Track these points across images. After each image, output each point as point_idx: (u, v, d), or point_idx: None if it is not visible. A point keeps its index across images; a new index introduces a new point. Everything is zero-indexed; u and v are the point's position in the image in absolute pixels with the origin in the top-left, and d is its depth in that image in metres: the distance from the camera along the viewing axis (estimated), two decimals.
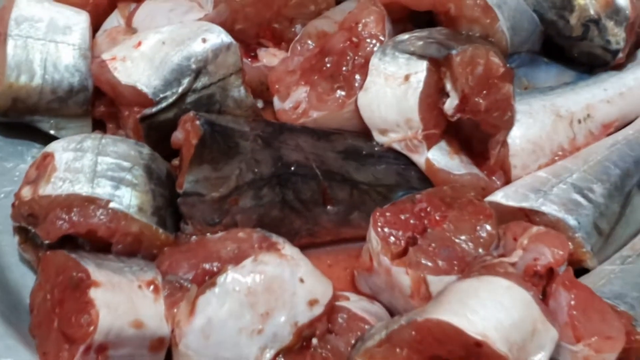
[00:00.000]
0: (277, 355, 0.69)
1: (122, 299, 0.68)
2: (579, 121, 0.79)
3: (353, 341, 0.69)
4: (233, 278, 0.68)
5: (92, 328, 0.66)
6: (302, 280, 0.69)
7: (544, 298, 0.70)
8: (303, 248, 0.73)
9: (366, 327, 0.70)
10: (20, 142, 0.81)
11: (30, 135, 0.81)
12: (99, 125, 0.83)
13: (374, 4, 0.81)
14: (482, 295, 0.67)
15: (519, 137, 0.78)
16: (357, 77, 0.79)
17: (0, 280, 0.75)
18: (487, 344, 0.63)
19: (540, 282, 0.70)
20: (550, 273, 0.71)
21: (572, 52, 0.83)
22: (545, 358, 0.66)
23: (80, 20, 0.82)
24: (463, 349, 0.64)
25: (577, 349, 0.68)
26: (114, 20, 0.84)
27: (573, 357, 0.68)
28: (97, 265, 0.69)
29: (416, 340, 0.65)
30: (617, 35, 0.80)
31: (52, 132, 0.81)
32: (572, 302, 0.69)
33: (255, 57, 0.84)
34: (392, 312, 0.73)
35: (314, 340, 0.70)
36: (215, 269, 0.70)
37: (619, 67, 0.82)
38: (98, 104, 0.81)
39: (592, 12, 0.79)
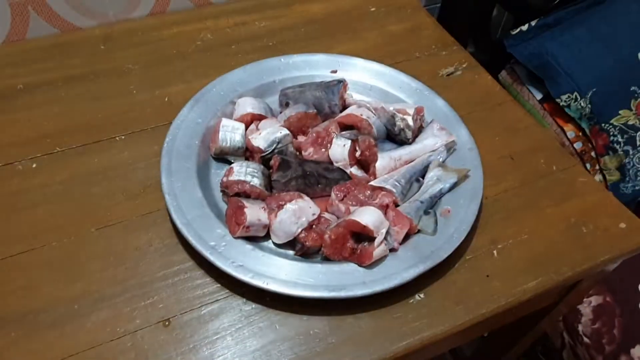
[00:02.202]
0: (301, 230, 0.73)
1: (254, 211, 0.73)
2: (397, 160, 0.81)
3: (326, 227, 0.74)
4: (289, 206, 0.73)
5: (245, 220, 0.72)
6: (310, 207, 0.74)
7: (385, 214, 0.74)
8: (311, 198, 0.76)
9: (330, 223, 0.75)
10: (221, 164, 0.82)
11: (225, 162, 0.82)
12: (246, 159, 0.84)
13: (334, 122, 0.84)
14: (365, 211, 0.72)
15: (378, 165, 0.79)
16: (329, 145, 0.81)
17: (216, 205, 0.77)
18: (367, 226, 0.69)
19: (384, 209, 0.75)
20: (387, 206, 0.75)
21: (396, 139, 0.84)
22: (384, 231, 0.71)
23: (241, 125, 0.84)
24: (360, 228, 0.70)
25: (395, 228, 0.73)
26: (253, 125, 0.86)
27: (393, 231, 0.73)
28: (247, 201, 0.74)
29: (345, 225, 0.71)
30: (409, 134, 0.82)
31: (232, 160, 0.82)
32: (393, 215, 0.74)
33: (296, 138, 0.85)
34: (338, 219, 0.76)
35: (314, 226, 0.74)
36: (284, 203, 0.74)
37: (410, 144, 0.84)
38: (246, 151, 0.83)
39: (401, 126, 0.82)
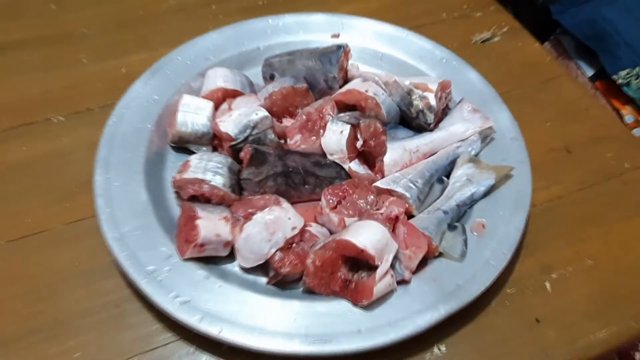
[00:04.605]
0: (276, 251, 0.53)
1: (211, 224, 0.53)
2: (413, 152, 0.64)
3: (311, 246, 0.54)
4: (260, 216, 0.53)
5: (197, 237, 0.52)
6: (289, 218, 0.54)
7: (393, 230, 0.54)
8: (293, 204, 0.57)
9: (317, 240, 0.55)
10: (182, 155, 0.65)
11: (187, 152, 0.65)
12: (215, 149, 0.65)
13: (330, 100, 0.65)
14: (365, 228, 0.52)
15: (387, 158, 0.62)
16: (322, 131, 0.63)
17: (167, 211, 0.60)
18: (365, 250, 0.49)
19: (392, 222, 0.55)
20: (397, 218, 0.55)
21: (412, 123, 0.67)
22: (391, 256, 0.51)
23: (208, 104, 0.66)
24: (355, 252, 0.51)
25: (406, 252, 0.53)
26: (225, 104, 0.67)
27: (404, 256, 0.53)
28: (202, 208, 0.54)
29: (335, 248, 0.51)
30: (430, 117, 0.65)
31: (195, 150, 0.65)
32: (405, 231, 0.54)
33: (281, 122, 0.67)
34: (331, 232, 0.57)
35: (294, 245, 0.54)
36: (254, 211, 0.55)
37: (431, 130, 0.66)
38: (214, 139, 0.65)
39: (420, 107, 0.64)
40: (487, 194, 0.61)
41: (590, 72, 1.21)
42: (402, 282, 0.53)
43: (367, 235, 0.51)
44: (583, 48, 1.21)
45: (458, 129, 0.66)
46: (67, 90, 0.74)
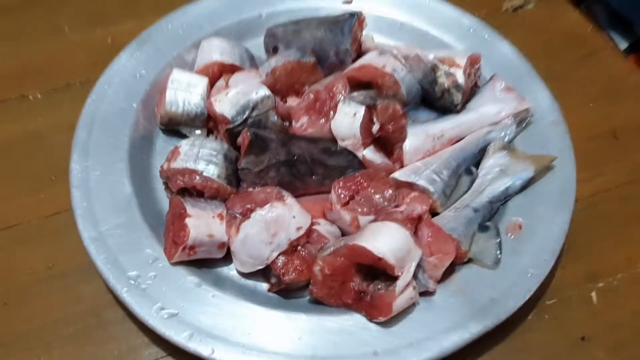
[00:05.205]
0: (278, 255, 0.46)
1: (202, 223, 0.46)
2: (437, 138, 0.57)
3: (319, 249, 0.47)
4: (259, 214, 0.46)
5: (186, 238, 0.45)
6: (294, 217, 0.47)
7: (415, 232, 0.47)
8: (299, 197, 0.51)
9: (326, 242, 0.48)
10: (172, 139, 0.60)
11: (178, 135, 0.60)
12: (210, 132, 0.60)
13: (342, 77, 0.59)
14: (382, 231, 0.45)
15: (407, 145, 0.56)
16: (332, 112, 0.57)
17: (155, 204, 0.54)
18: (384, 258, 0.42)
19: (414, 223, 0.47)
20: (419, 218, 0.48)
21: (436, 104, 0.60)
22: (414, 265, 0.44)
23: (202, 81, 0.60)
24: (371, 260, 0.44)
25: (431, 259, 0.46)
26: (222, 81, 0.61)
27: (428, 264, 0.46)
28: (192, 204, 0.48)
29: (347, 254, 0.44)
30: (458, 97, 0.59)
31: (187, 134, 0.59)
32: (429, 234, 0.47)
33: (286, 101, 0.61)
34: (342, 231, 0.51)
35: (299, 247, 0.47)
36: (253, 207, 0.48)
37: (458, 112, 0.59)
38: (208, 121, 0.59)
39: (446, 86, 0.58)
40: (524, 188, 0.54)
41: (624, 45, 1.13)
42: (425, 293, 0.47)
43: (386, 240, 0.44)
44: (616, 17, 1.13)
45: (489, 110, 0.59)
46: (45, 62, 0.69)
